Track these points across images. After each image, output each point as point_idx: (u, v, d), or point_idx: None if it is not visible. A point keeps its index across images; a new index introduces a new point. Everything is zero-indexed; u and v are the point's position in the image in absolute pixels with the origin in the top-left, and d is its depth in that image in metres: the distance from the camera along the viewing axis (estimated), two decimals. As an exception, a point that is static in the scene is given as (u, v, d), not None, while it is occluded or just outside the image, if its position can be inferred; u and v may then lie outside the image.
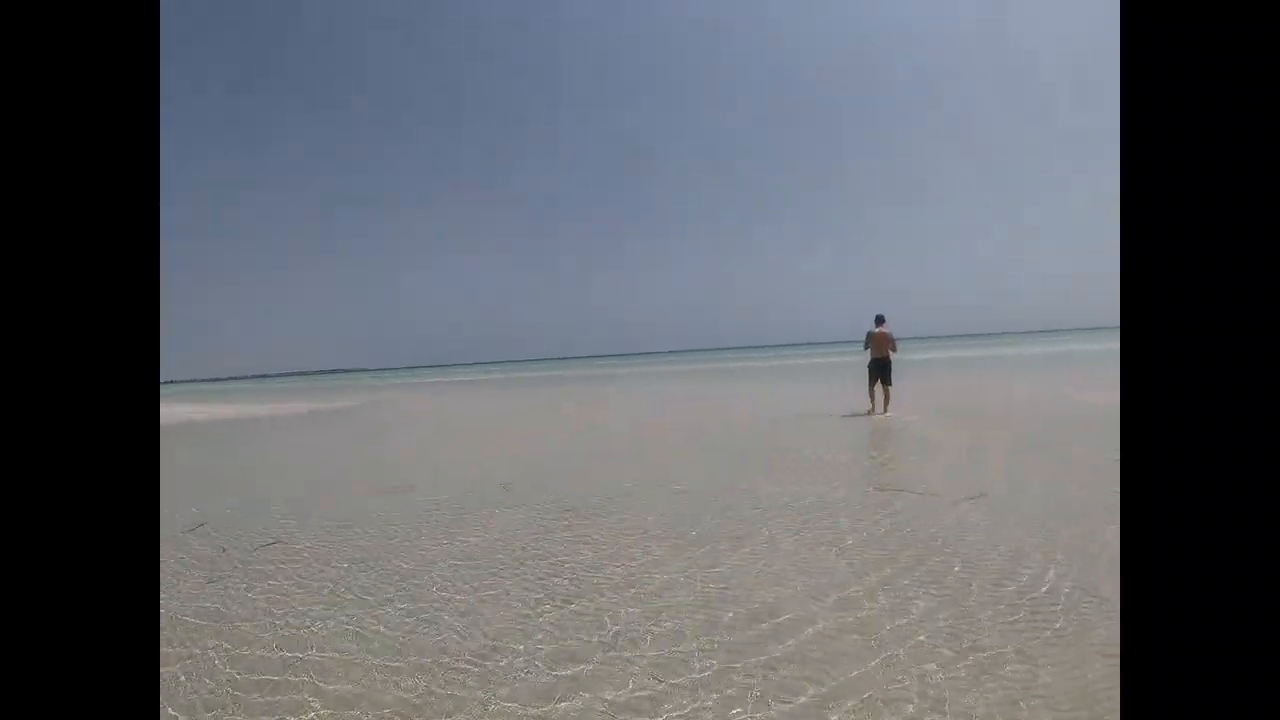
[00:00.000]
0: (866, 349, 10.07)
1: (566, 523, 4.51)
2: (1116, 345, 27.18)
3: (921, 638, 2.53)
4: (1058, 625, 2.58)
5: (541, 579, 3.40)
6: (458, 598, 3.18)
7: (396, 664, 2.53)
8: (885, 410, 9.86)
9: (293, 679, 2.45)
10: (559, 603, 3.06)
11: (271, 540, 4.48)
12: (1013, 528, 3.86)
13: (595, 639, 2.64)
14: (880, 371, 9.95)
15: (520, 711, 2.14)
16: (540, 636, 2.69)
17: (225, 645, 2.80)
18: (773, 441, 7.89)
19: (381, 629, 2.87)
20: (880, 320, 10.00)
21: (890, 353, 9.86)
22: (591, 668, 2.41)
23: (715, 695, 2.18)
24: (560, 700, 2.19)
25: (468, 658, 2.54)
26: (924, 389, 13.88)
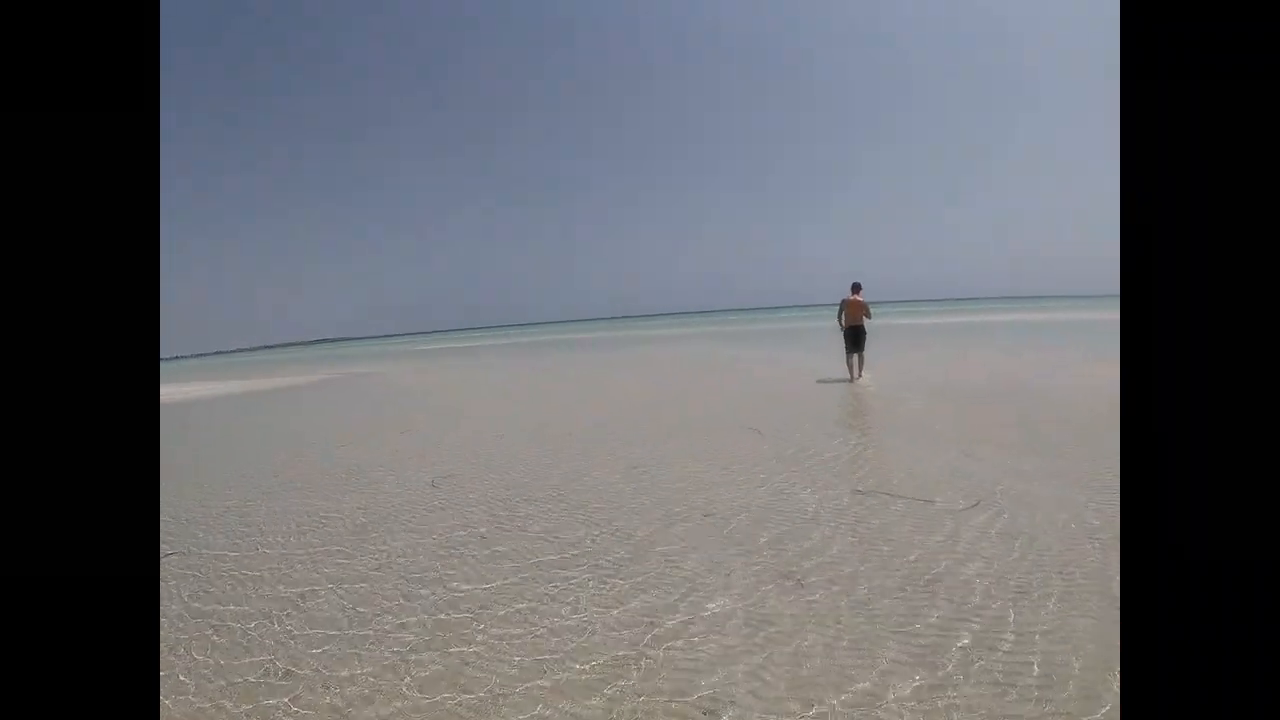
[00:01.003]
0: (841, 316, 10.10)
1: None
2: (1099, 315, 26.84)
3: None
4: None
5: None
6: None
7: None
8: (860, 374, 9.96)
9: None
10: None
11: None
12: (1023, 555, 3.12)
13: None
14: (855, 339, 10.00)
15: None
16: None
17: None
18: (742, 417, 7.49)
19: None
20: (856, 288, 10.03)
21: (865, 319, 9.99)
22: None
23: None
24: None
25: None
26: (913, 359, 13.35)
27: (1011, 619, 2.53)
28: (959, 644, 2.37)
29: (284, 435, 9.17)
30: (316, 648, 2.68)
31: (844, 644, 2.42)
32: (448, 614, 2.90)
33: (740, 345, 23.02)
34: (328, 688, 2.36)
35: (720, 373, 13.55)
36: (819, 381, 10.29)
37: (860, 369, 10.07)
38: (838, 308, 10.19)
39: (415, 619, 2.87)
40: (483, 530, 4.07)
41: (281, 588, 3.37)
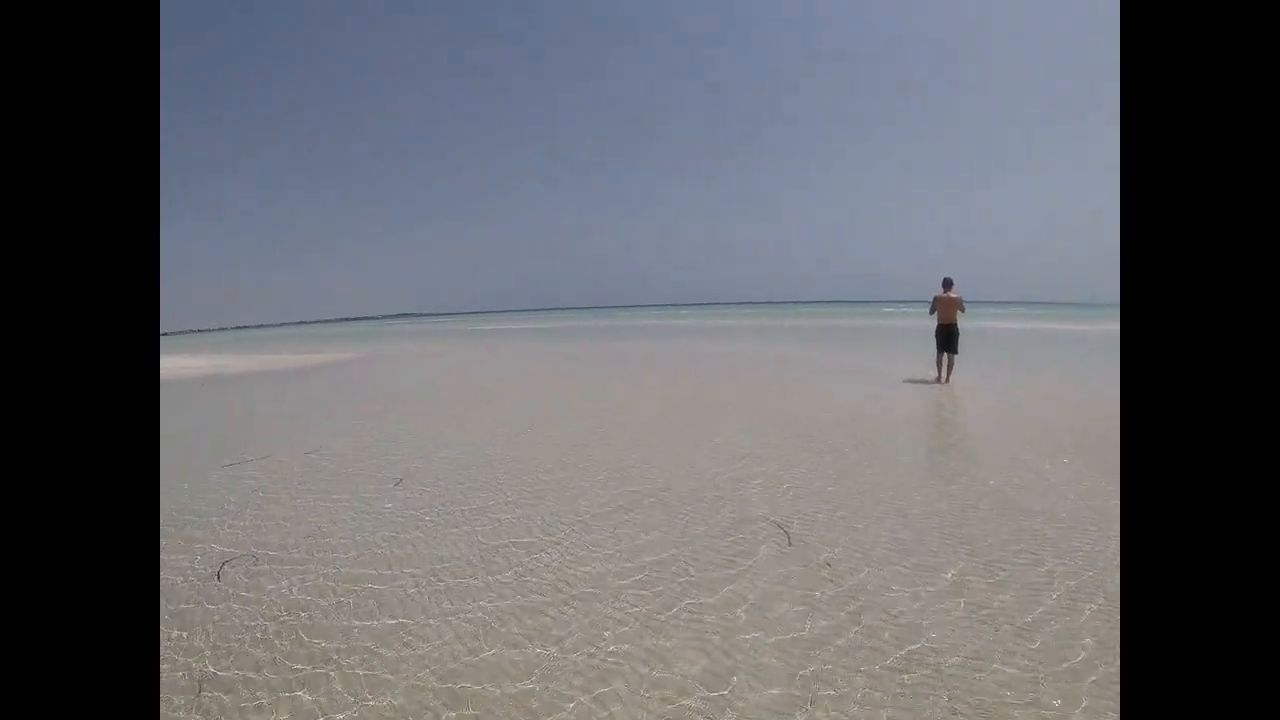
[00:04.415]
0: (933, 314, 9.52)
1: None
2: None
3: None
4: None
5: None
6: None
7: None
8: (948, 378, 9.26)
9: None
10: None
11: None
12: None
13: None
14: (947, 337, 9.35)
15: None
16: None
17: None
18: (764, 480, 4.52)
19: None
20: (948, 284, 9.40)
21: (958, 313, 9.31)
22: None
23: None
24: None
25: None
26: (1044, 383, 9.55)
27: None
28: None
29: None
30: None
31: None
32: None
33: (815, 343, 19.20)
34: None
35: (774, 379, 10.67)
36: (906, 382, 9.27)
37: (949, 371, 9.33)
38: (929, 305, 9.55)
39: None
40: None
41: None
